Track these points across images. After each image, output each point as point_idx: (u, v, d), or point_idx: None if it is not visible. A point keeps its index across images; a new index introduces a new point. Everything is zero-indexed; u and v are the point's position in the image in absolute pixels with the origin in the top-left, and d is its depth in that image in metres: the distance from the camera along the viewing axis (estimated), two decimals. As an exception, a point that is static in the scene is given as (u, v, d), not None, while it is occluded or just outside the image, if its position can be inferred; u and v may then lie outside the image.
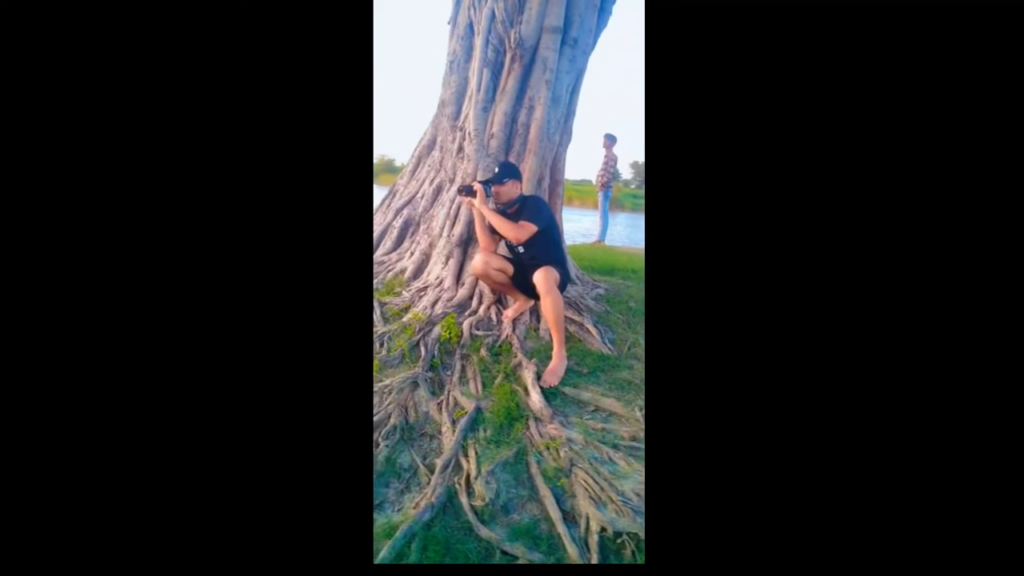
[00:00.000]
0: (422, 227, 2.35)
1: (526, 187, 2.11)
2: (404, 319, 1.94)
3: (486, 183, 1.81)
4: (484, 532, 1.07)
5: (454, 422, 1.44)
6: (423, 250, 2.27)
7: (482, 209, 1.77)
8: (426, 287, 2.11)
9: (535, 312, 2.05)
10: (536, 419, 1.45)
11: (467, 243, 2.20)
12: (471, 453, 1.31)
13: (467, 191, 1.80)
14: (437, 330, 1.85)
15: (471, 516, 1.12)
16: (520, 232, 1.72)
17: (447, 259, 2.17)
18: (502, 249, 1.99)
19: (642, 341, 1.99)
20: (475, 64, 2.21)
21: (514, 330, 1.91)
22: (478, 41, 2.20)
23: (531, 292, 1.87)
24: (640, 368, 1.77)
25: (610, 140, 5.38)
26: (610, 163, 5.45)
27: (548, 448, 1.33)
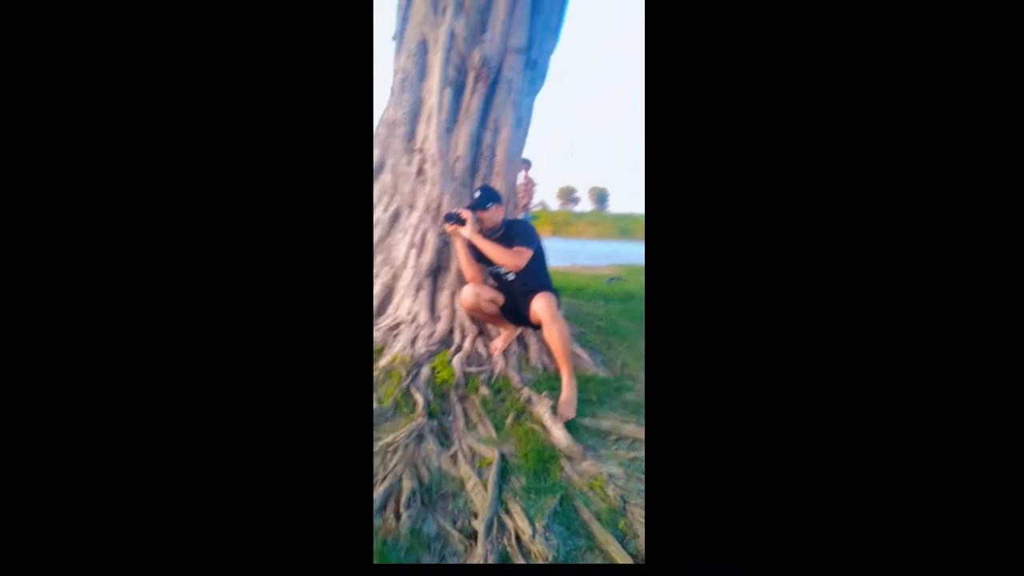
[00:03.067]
0: (380, 257, 2.12)
1: (494, 212, 2.00)
2: (382, 363, 1.72)
3: (469, 210, 1.69)
4: (556, 599, 0.95)
5: (480, 475, 1.28)
6: (385, 283, 2.05)
7: (473, 238, 1.63)
8: (398, 324, 1.90)
9: (522, 341, 1.95)
10: (568, 458, 1.36)
11: (437, 272, 2.04)
12: (512, 507, 1.18)
13: (455, 219, 1.65)
14: (426, 371, 1.67)
15: (536, 583, 1.00)
16: (519, 259, 1.62)
17: (417, 291, 1.99)
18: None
19: (629, 360, 2.00)
20: (433, 83, 2.08)
21: (507, 363, 1.79)
22: (435, 59, 2.08)
23: (521, 320, 1.78)
24: (642, 388, 1.77)
25: (526, 164, 5.50)
26: (529, 186, 5.56)
27: (592, 488, 1.25)
